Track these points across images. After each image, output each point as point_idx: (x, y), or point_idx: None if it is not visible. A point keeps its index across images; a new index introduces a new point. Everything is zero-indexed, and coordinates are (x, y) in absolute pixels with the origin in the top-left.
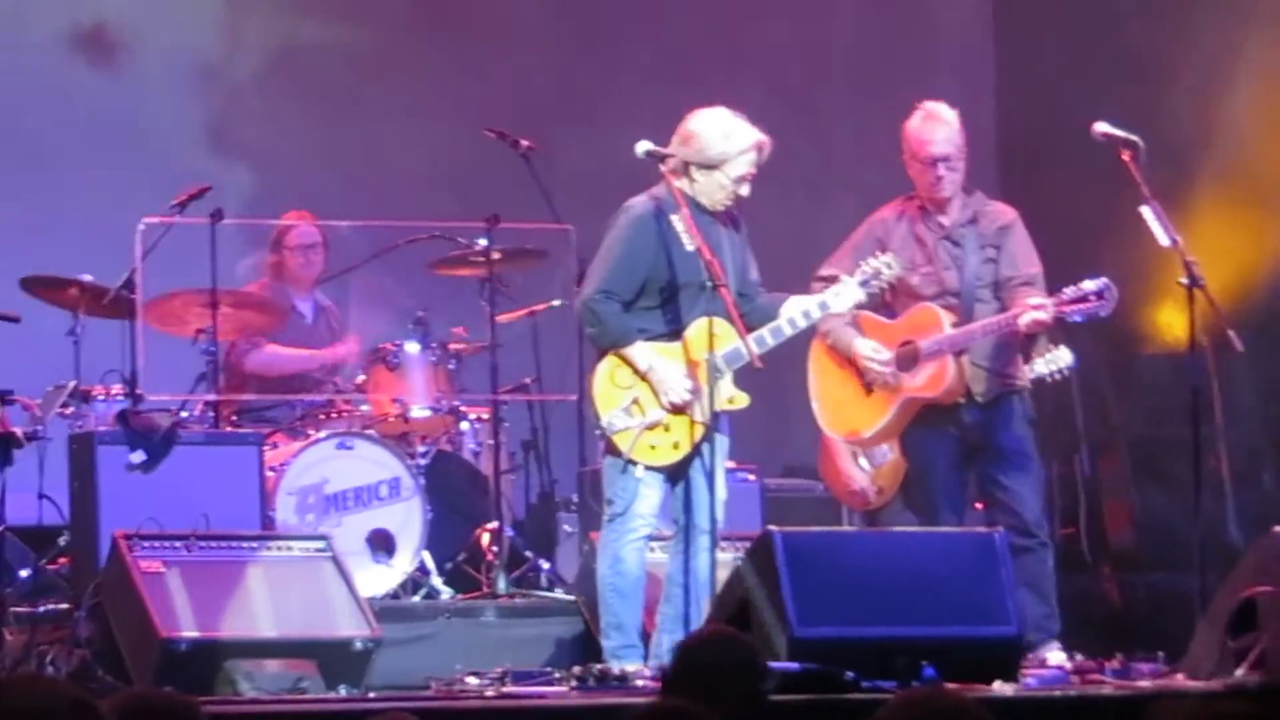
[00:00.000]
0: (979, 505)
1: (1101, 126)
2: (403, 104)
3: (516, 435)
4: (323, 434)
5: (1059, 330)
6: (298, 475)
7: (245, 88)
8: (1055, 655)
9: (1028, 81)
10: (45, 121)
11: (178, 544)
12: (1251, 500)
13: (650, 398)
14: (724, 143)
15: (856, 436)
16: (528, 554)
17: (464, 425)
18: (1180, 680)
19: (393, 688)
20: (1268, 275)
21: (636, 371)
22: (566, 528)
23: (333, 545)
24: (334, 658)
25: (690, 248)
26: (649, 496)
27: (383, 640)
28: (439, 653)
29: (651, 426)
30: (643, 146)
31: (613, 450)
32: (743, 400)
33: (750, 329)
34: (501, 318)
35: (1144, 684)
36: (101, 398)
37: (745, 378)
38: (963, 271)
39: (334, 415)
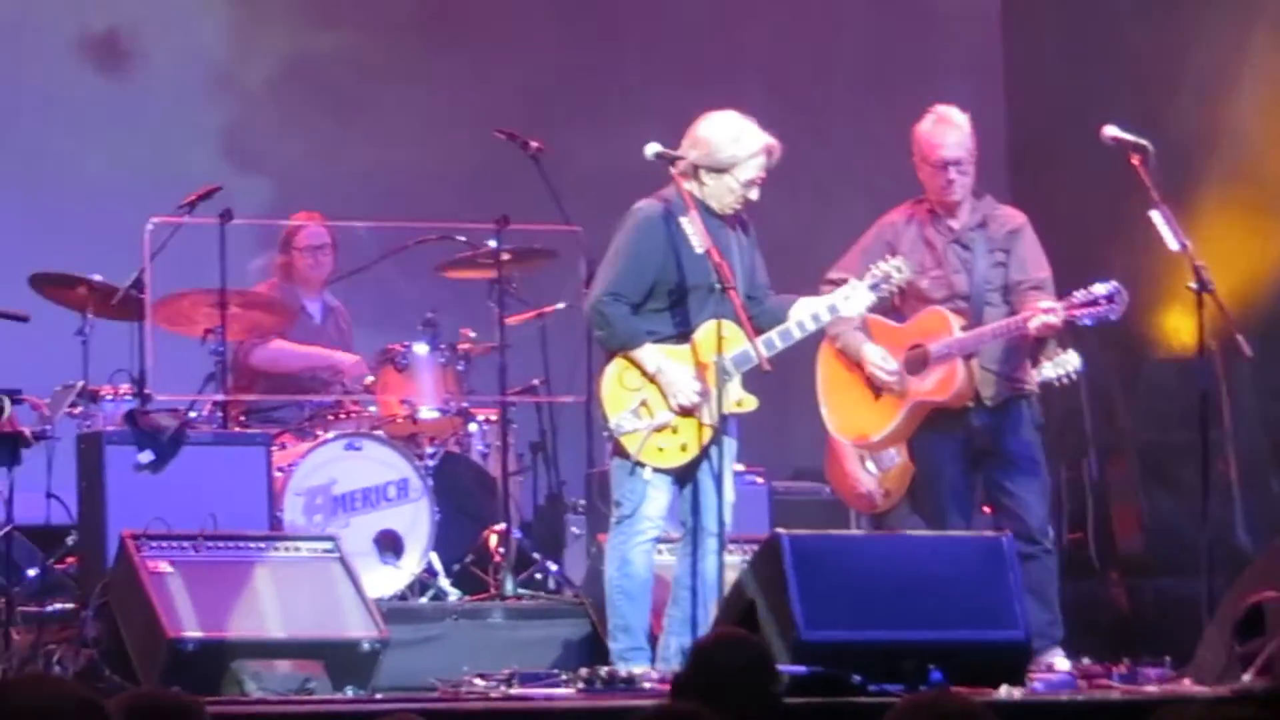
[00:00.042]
0: (987, 509)
1: (1111, 130)
2: (412, 106)
3: (525, 437)
4: (331, 435)
5: (1067, 334)
6: (306, 476)
7: (258, 94)
8: (1059, 662)
9: (1037, 85)
10: (56, 126)
11: (185, 544)
12: (1259, 505)
13: (659, 400)
14: (734, 146)
15: (865, 440)
16: (535, 556)
17: (472, 427)
18: (1187, 685)
19: (400, 689)
20: (1275, 280)
21: (645, 373)
22: (574, 529)
23: (340, 546)
24: (341, 659)
25: (699, 250)
26: (657, 499)
27: (390, 641)
28: (446, 654)
29: (660, 429)
30: (652, 149)
31: (621, 452)
32: (751, 403)
33: (759, 332)
34: (510, 319)
35: (1151, 689)
36: (110, 397)
37: (754, 380)
38: (972, 275)
39: (342, 416)
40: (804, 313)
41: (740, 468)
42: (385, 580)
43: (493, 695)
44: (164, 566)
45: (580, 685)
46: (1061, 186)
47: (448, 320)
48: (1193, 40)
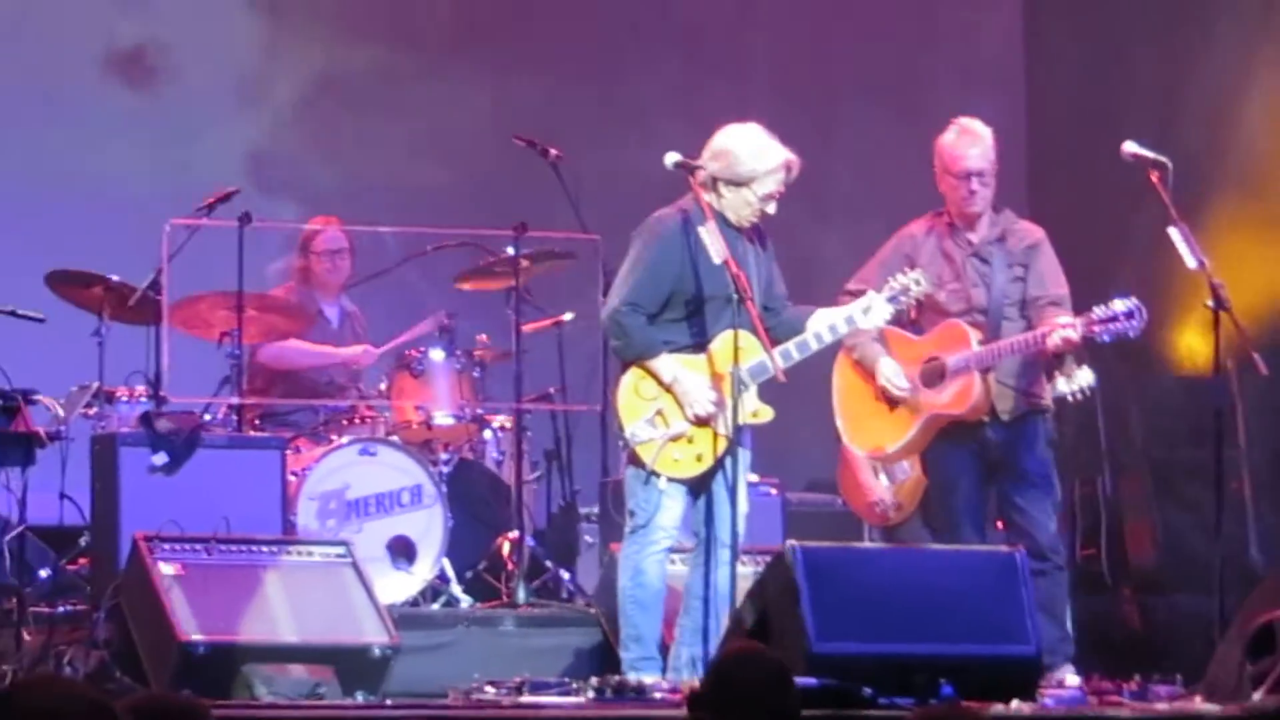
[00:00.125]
0: (1000, 524)
1: (1130, 147)
2: (434, 115)
3: (539, 444)
4: (345, 439)
5: (1082, 349)
6: (320, 480)
7: (284, 108)
8: (1070, 678)
9: (1058, 100)
10: (82, 134)
11: (198, 547)
12: (1273, 523)
13: (674, 409)
14: (754, 160)
15: (880, 452)
16: (548, 564)
17: (487, 434)
18: (1198, 703)
19: (410, 695)
20: None
21: (661, 383)
22: (587, 538)
23: (353, 551)
24: (352, 664)
25: (717, 261)
26: (671, 508)
27: (401, 647)
28: (457, 661)
29: (675, 438)
30: (672, 158)
31: (635, 461)
32: (767, 414)
33: (776, 343)
34: (527, 327)
35: (1161, 706)
36: (125, 399)
37: (769, 391)
38: (990, 289)
39: (357, 421)
40: (821, 324)
41: (754, 478)
42: (397, 586)
43: (503, 703)
44: (176, 569)
45: (591, 694)
46: (1080, 202)
47: (464, 327)
48: (1206, 58)
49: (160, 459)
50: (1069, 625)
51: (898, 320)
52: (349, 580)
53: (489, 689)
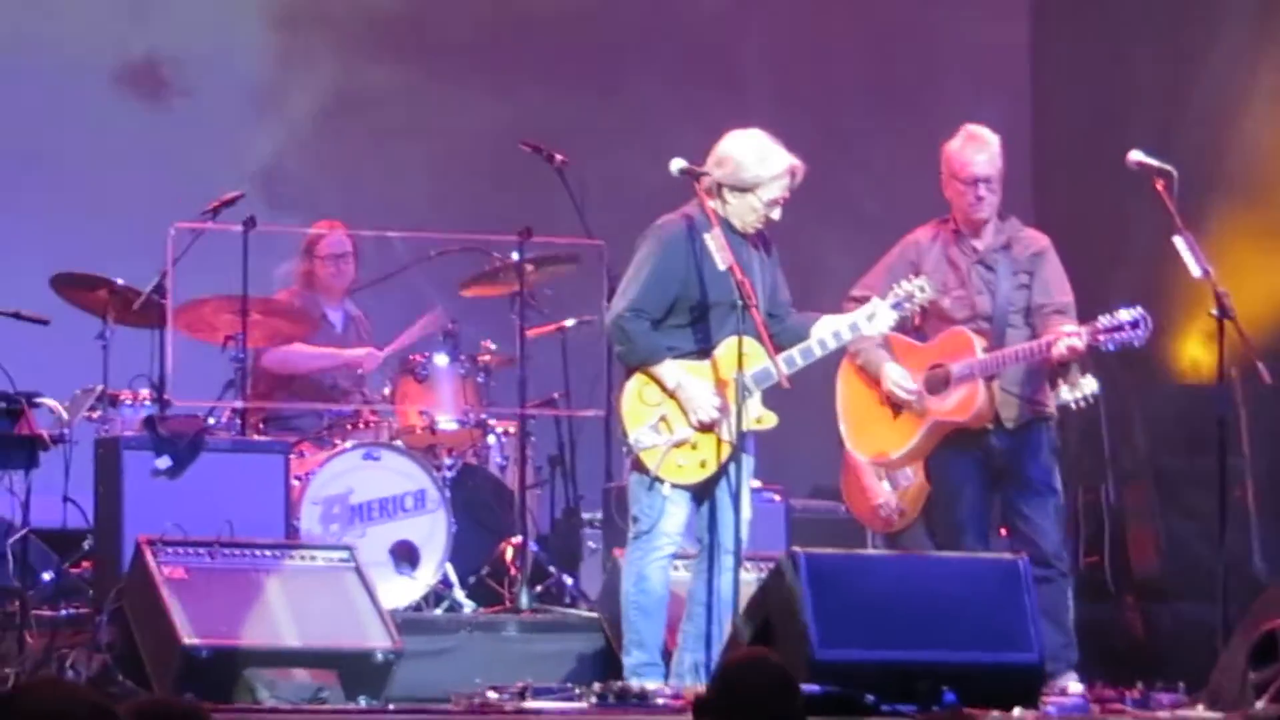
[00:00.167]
0: (1003, 531)
1: (1136, 155)
2: (439, 119)
3: (543, 450)
4: (349, 444)
5: (1086, 357)
6: (323, 485)
7: (298, 122)
8: (1073, 685)
9: (1063, 108)
10: (92, 151)
11: (201, 551)
12: (1277, 532)
13: (678, 415)
14: (759, 166)
15: (884, 458)
16: (551, 569)
17: (491, 439)
18: (1200, 711)
19: (413, 700)
20: None
21: (665, 389)
22: (591, 544)
23: (356, 556)
24: (355, 669)
25: (722, 267)
26: (675, 514)
27: (404, 652)
28: (460, 666)
29: (679, 444)
30: (677, 164)
31: (639, 467)
32: (771, 420)
33: (780, 349)
34: (531, 332)
35: (1163, 714)
36: (129, 402)
37: (774, 398)
38: (995, 296)
39: (361, 426)
40: (825, 331)
41: (757, 484)
42: (400, 591)
43: (506, 708)
44: (179, 573)
45: (594, 700)
46: (1085, 209)
47: (468, 332)
48: (1208, 65)
49: (164, 462)
50: (1072, 632)
51: (902, 327)
52: (352, 585)
53: (491, 694)
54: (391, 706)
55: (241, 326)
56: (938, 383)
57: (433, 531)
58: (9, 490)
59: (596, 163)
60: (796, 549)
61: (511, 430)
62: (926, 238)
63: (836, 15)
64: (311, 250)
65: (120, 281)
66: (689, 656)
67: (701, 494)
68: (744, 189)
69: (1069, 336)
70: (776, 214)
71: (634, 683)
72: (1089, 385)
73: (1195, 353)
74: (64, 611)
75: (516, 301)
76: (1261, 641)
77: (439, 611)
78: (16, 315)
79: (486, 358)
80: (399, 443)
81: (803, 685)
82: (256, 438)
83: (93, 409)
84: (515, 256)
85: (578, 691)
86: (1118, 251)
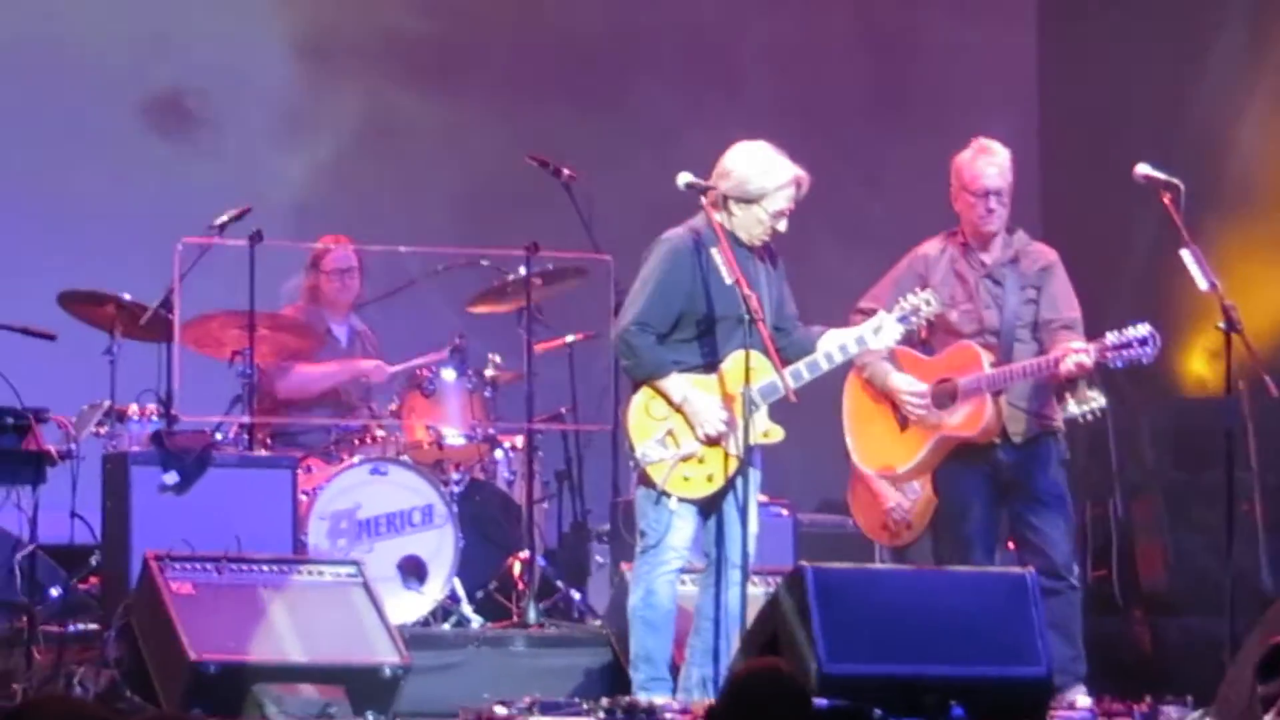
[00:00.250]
0: (1011, 545)
1: (1142, 169)
2: (444, 132)
3: (550, 464)
4: (357, 459)
5: (1095, 372)
6: (331, 500)
7: (323, 146)
8: (1081, 698)
9: (1071, 122)
10: (111, 176)
11: (209, 566)
12: None
13: (685, 429)
14: (763, 178)
15: (890, 472)
16: (559, 584)
17: (498, 453)
18: None
19: (421, 715)
20: None
21: (671, 403)
22: (598, 558)
23: (364, 571)
24: (363, 684)
25: (728, 281)
26: (682, 529)
27: (412, 667)
28: (468, 681)
29: (686, 458)
30: (684, 178)
31: (646, 481)
32: (778, 434)
33: (787, 363)
34: (538, 347)
35: None
36: (136, 418)
37: (781, 412)
38: (1003, 311)
39: (368, 440)
40: (832, 344)
41: (764, 499)
42: (408, 606)
43: None
44: (187, 588)
45: (601, 714)
46: (1092, 222)
47: (476, 347)
48: (1213, 77)
49: (171, 478)
50: (1081, 645)
51: (908, 340)
52: (360, 600)
53: (499, 709)
54: None
55: (248, 342)
56: (945, 397)
57: (440, 546)
58: (17, 506)
59: (603, 177)
60: (804, 563)
61: (519, 445)
62: (934, 250)
63: (843, 28)
64: (317, 265)
65: (127, 297)
66: (696, 671)
67: (708, 508)
68: (749, 201)
69: (1077, 353)
70: (783, 225)
71: (641, 697)
72: (1097, 399)
73: (1202, 366)
74: (72, 627)
75: (523, 316)
76: (1269, 655)
77: (447, 626)
78: (24, 331)
79: (493, 372)
80: (406, 458)
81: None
82: (264, 453)
83: (100, 424)
84: (522, 271)
85: (585, 706)
86: (1123, 264)
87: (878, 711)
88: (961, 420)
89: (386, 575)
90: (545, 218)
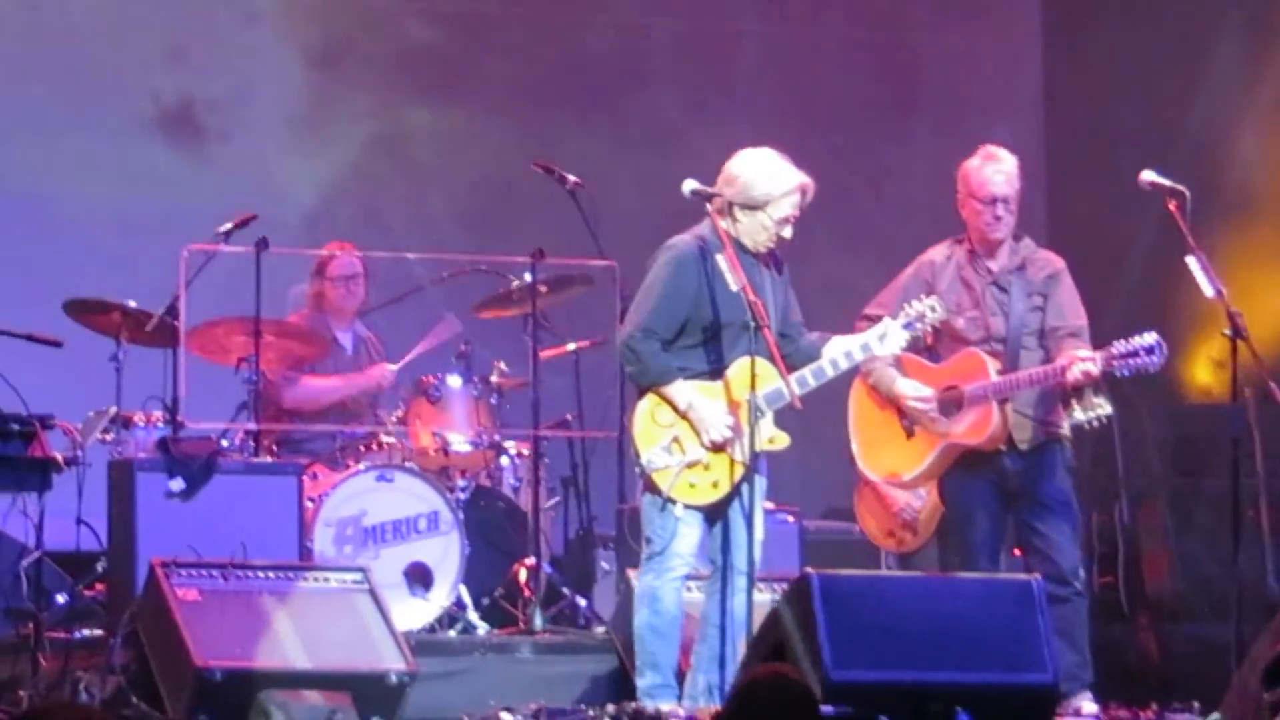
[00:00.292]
0: (1017, 552)
1: (1148, 176)
2: (449, 136)
3: (556, 471)
4: (362, 466)
5: (1101, 380)
6: (336, 506)
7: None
8: (1088, 705)
9: (1076, 130)
10: (121, 185)
11: (215, 573)
12: None
13: (690, 436)
14: (768, 184)
15: (896, 479)
16: (565, 590)
17: (504, 460)
18: None
19: None
20: None
21: (677, 410)
22: (604, 565)
23: (370, 577)
24: (369, 690)
25: (734, 288)
26: (688, 535)
27: (418, 674)
28: (474, 688)
29: (691, 465)
30: (689, 185)
31: (652, 488)
32: (783, 441)
33: (792, 369)
34: (544, 353)
35: None
36: (142, 424)
37: (787, 419)
38: (1009, 318)
39: (374, 447)
40: (837, 351)
41: (770, 506)
42: (414, 613)
43: None
44: (193, 595)
45: None
46: (1100, 230)
47: (481, 353)
48: (1213, 84)
49: (177, 484)
50: (1088, 652)
51: (914, 346)
52: (366, 607)
53: (505, 716)
54: None
55: (254, 348)
56: (951, 404)
57: (446, 553)
58: (23, 513)
59: (609, 183)
60: (810, 570)
61: (525, 451)
62: (941, 257)
63: (849, 34)
64: (322, 272)
65: (133, 304)
66: (702, 678)
67: (714, 515)
68: (754, 207)
69: (1084, 362)
70: (788, 232)
71: (647, 704)
72: (1103, 406)
73: (1208, 373)
74: (78, 634)
75: (529, 322)
76: (1276, 661)
77: (453, 633)
78: (30, 337)
79: (499, 379)
80: (412, 464)
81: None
82: (269, 460)
83: (106, 431)
84: (528, 278)
85: (591, 713)
86: (1126, 271)
87: (883, 718)
88: (967, 427)
89: (392, 582)
90: (552, 223)
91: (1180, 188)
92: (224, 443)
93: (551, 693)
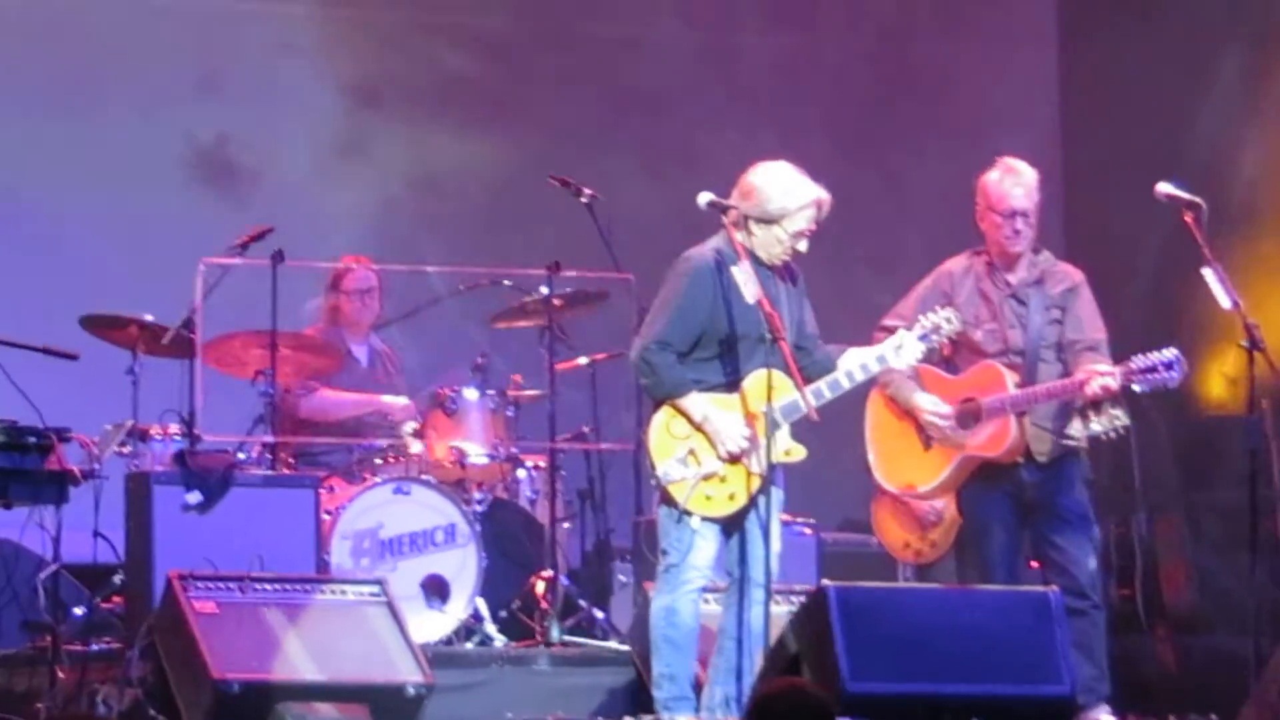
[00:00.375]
0: (1034, 564)
1: (1164, 187)
2: (468, 145)
3: (573, 484)
4: (379, 479)
5: (1120, 393)
6: (354, 519)
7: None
8: (1105, 718)
9: (1093, 142)
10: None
11: (232, 585)
12: None
13: (706, 448)
14: (784, 198)
15: (912, 490)
16: (582, 603)
17: (521, 473)
18: None
19: None
20: None
21: (692, 422)
22: (621, 577)
23: (387, 590)
24: (386, 703)
25: (750, 300)
26: (704, 548)
27: (435, 686)
28: (491, 700)
29: (707, 477)
30: (705, 197)
31: (668, 501)
32: (800, 452)
33: (808, 381)
34: (560, 366)
35: None
36: (159, 437)
37: (803, 431)
38: (1027, 331)
39: (391, 460)
40: (853, 363)
41: (788, 518)
42: (431, 625)
43: None
44: (210, 607)
45: None
46: (1112, 243)
47: (498, 366)
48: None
49: (194, 497)
50: (1105, 665)
51: (930, 358)
52: (383, 619)
53: None
54: None
55: (271, 361)
56: (968, 417)
57: (463, 565)
58: (40, 525)
59: (625, 196)
60: (827, 582)
61: (541, 464)
62: (959, 269)
63: (864, 48)
64: (337, 285)
65: (149, 319)
66: (720, 690)
67: (731, 527)
68: (769, 221)
69: (1103, 376)
70: (803, 246)
71: (665, 716)
72: (1120, 417)
73: (1225, 385)
74: (95, 646)
75: (545, 335)
76: None
77: (470, 645)
78: (46, 351)
79: (516, 392)
80: (429, 477)
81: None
82: (287, 472)
83: (123, 444)
84: (544, 291)
85: None
86: (1140, 282)
87: None
88: (985, 440)
89: (409, 594)
90: (566, 236)
91: (1197, 199)
92: (241, 455)
93: (568, 705)
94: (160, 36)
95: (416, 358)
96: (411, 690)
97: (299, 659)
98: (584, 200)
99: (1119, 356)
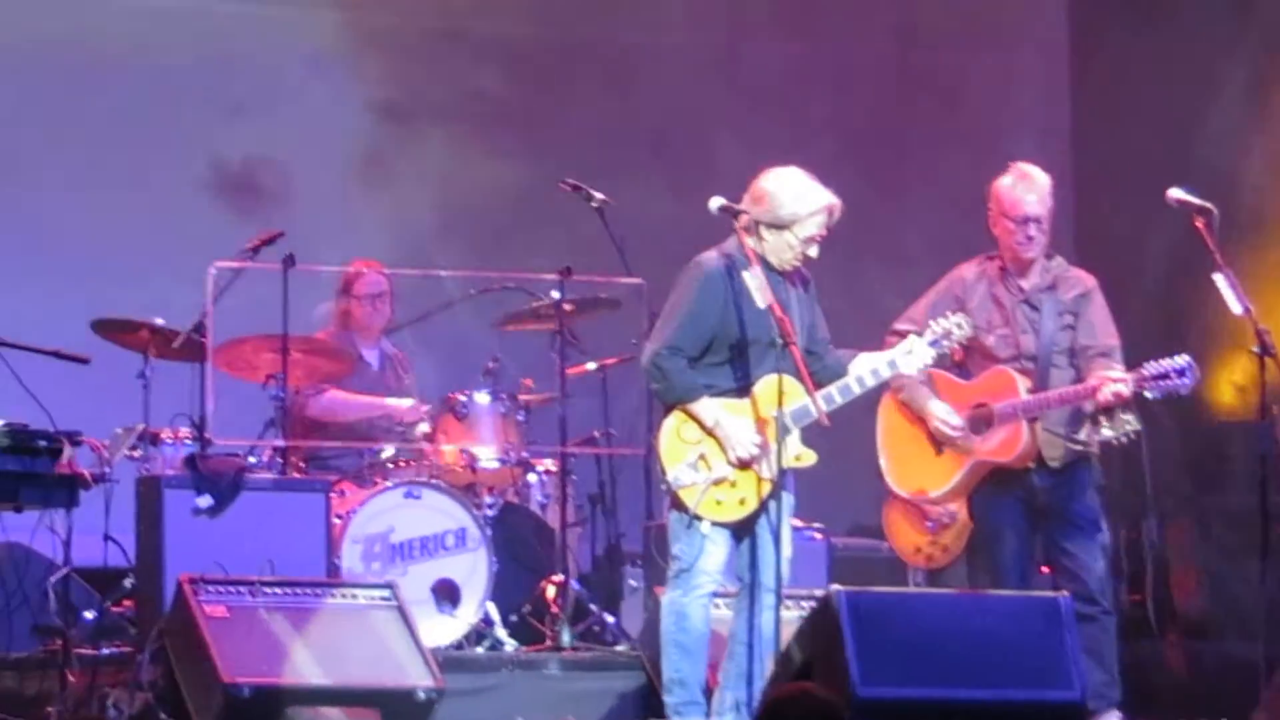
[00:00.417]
0: (1045, 569)
1: (1175, 193)
2: (482, 151)
3: (584, 488)
4: (390, 483)
5: (1132, 400)
6: (364, 523)
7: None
8: None
9: (1104, 147)
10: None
11: (243, 589)
12: None
13: (717, 453)
14: (795, 204)
15: (924, 495)
16: (592, 607)
17: (531, 477)
18: None
19: None
20: None
21: (703, 427)
22: (632, 582)
23: (398, 594)
24: (397, 707)
25: (761, 305)
26: (715, 553)
27: (446, 691)
28: (502, 704)
29: (718, 482)
30: (716, 202)
31: (679, 505)
32: (810, 457)
33: (819, 386)
34: (571, 370)
35: None
36: (170, 441)
37: (814, 436)
38: (1039, 336)
39: (402, 464)
40: (864, 368)
41: (799, 523)
42: (442, 629)
43: None
44: (221, 611)
45: None
46: (1122, 249)
47: (509, 370)
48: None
49: (205, 501)
50: (1116, 670)
51: (943, 363)
52: (393, 623)
53: None
54: None
55: (282, 365)
56: (980, 422)
57: (474, 570)
58: (50, 529)
59: (637, 200)
60: (838, 587)
61: (552, 468)
62: (972, 274)
63: (877, 54)
64: (348, 290)
65: (160, 322)
66: (730, 695)
67: (741, 532)
68: (780, 226)
69: (1115, 382)
70: (814, 252)
71: None
72: (1131, 422)
73: (1238, 390)
74: (106, 650)
75: (557, 340)
76: None
77: (480, 650)
78: (57, 354)
79: (527, 396)
80: (440, 481)
81: None
82: (297, 476)
83: (134, 448)
84: (555, 295)
85: None
86: (1153, 288)
87: None
88: (997, 445)
89: (420, 598)
90: (577, 240)
91: (1208, 205)
92: (252, 459)
93: (579, 709)
94: (182, 46)
95: (428, 362)
96: (422, 695)
97: (309, 663)
98: (595, 205)
99: (1129, 361)
